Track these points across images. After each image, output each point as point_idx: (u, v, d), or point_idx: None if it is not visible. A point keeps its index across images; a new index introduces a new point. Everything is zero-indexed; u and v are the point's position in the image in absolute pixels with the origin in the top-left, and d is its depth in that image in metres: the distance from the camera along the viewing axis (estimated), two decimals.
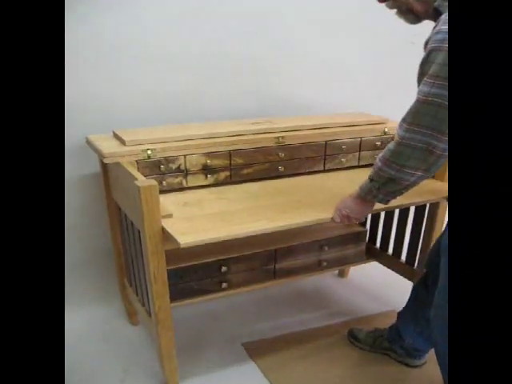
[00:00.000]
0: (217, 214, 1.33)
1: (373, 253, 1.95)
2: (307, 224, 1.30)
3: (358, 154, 1.79)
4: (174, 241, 1.17)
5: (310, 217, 1.31)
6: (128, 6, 1.65)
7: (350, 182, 1.65)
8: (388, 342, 1.62)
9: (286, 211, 1.34)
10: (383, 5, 1.18)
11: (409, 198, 1.42)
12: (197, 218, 1.30)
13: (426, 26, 1.14)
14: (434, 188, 1.59)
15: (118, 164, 1.41)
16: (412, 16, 1.15)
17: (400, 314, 1.59)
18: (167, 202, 1.37)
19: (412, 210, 1.76)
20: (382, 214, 1.93)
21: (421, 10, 1.13)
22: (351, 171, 1.78)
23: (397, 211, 1.85)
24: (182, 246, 1.15)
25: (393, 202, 1.32)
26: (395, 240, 1.88)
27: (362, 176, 1.70)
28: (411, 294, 1.55)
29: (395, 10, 1.17)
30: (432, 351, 1.57)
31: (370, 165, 1.82)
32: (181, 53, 1.78)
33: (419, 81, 1.12)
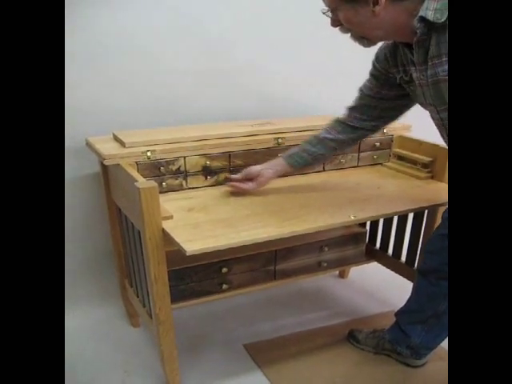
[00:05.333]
0: (222, 220, 1.31)
1: (373, 253, 1.96)
2: (314, 230, 1.29)
3: (357, 154, 1.80)
4: (180, 248, 1.15)
5: (316, 222, 1.29)
6: (128, 9, 1.65)
7: (351, 182, 1.65)
8: (391, 343, 1.61)
9: (291, 217, 1.33)
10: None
11: (406, 205, 1.43)
12: (202, 225, 1.28)
13: None
14: (434, 190, 1.60)
15: (117, 166, 1.41)
16: (366, 41, 1.19)
17: (402, 314, 1.58)
18: (172, 208, 1.36)
19: None
20: None
21: (379, 35, 1.17)
22: (351, 172, 1.78)
23: None
24: (188, 254, 1.13)
25: (390, 209, 1.36)
26: (395, 241, 1.88)
27: (362, 176, 1.72)
28: (416, 293, 1.54)
29: (349, 34, 1.20)
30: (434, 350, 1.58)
31: (370, 165, 1.83)
32: (180, 55, 1.78)
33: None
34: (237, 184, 1.50)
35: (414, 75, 1.21)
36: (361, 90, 1.42)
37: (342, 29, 1.20)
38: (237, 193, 1.51)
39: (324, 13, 1.19)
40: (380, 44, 1.31)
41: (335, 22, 1.19)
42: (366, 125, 1.43)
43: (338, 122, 1.47)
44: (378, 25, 1.12)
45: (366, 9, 1.09)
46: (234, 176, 1.52)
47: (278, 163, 1.51)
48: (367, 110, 1.41)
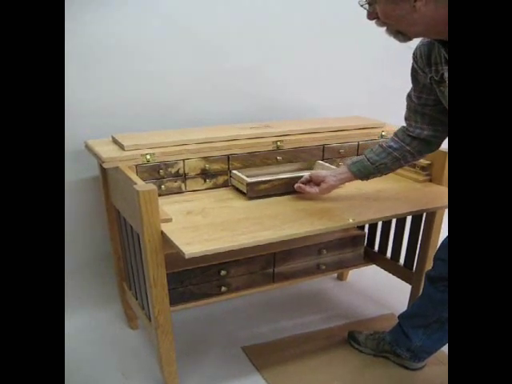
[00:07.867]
0: (221, 223, 1.31)
1: (371, 256, 1.96)
2: (313, 233, 1.29)
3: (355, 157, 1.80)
4: (179, 251, 1.16)
5: (315, 225, 1.29)
6: (129, 12, 1.66)
7: (350, 185, 1.65)
8: (390, 345, 1.61)
9: (289, 220, 1.33)
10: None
11: (404, 208, 1.44)
12: (201, 227, 1.29)
13: None
14: (432, 193, 1.60)
15: (117, 168, 1.42)
16: (402, 36, 1.14)
17: (405, 317, 1.58)
18: (171, 211, 1.36)
19: None
20: None
21: (417, 31, 1.12)
22: None
23: None
24: (187, 257, 1.13)
25: (388, 211, 1.35)
26: (393, 243, 1.88)
27: (359, 180, 1.72)
28: (422, 298, 1.54)
29: (385, 28, 1.16)
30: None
31: None
32: (180, 58, 1.79)
33: None
34: (303, 186, 1.50)
35: (446, 75, 1.18)
36: (408, 95, 1.39)
37: (377, 22, 1.15)
38: (302, 195, 1.52)
39: (362, 5, 1.14)
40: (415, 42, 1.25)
41: (372, 15, 1.14)
42: (421, 134, 1.37)
43: (401, 129, 1.44)
44: (417, 20, 1.07)
45: (406, 3, 1.05)
46: (302, 178, 1.52)
47: (342, 171, 1.48)
48: (416, 116, 1.37)
